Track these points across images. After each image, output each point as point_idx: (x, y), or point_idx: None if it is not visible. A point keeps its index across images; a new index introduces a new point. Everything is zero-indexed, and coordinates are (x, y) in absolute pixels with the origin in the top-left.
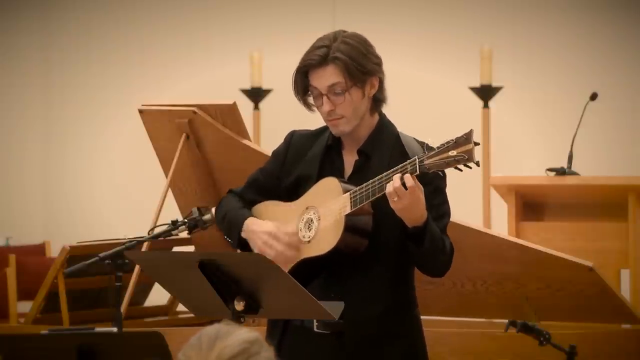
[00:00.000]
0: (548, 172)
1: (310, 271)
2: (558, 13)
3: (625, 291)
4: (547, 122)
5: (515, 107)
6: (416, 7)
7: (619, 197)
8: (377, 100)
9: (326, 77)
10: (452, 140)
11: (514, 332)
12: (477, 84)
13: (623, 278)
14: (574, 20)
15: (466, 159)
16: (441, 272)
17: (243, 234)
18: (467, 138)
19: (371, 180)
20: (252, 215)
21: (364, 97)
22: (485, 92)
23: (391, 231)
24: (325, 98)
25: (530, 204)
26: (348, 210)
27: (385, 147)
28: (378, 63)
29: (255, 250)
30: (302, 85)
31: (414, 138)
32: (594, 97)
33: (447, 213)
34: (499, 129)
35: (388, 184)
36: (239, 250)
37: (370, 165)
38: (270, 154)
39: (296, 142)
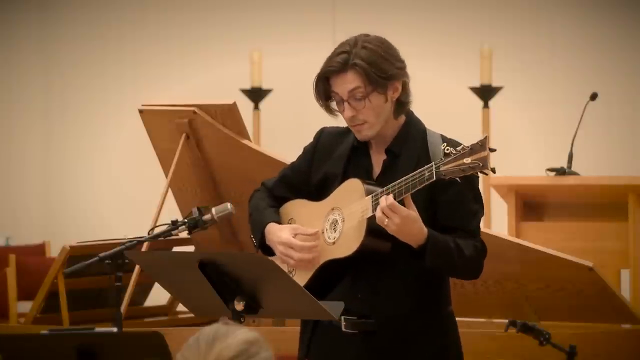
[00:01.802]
0: (548, 172)
1: (336, 272)
2: (558, 13)
3: (625, 291)
4: (547, 122)
5: (515, 107)
6: (416, 7)
7: (619, 197)
8: (401, 104)
9: (346, 83)
10: (468, 147)
11: (514, 332)
12: (477, 84)
13: (623, 278)
14: (574, 20)
15: (481, 166)
16: (467, 276)
17: (267, 242)
18: (482, 145)
19: (392, 184)
20: (275, 218)
21: (387, 101)
22: (485, 92)
23: None
24: (346, 104)
25: (530, 204)
26: (370, 213)
27: (413, 145)
28: (401, 67)
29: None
30: (324, 91)
31: (441, 135)
32: (594, 97)
33: (478, 212)
34: (499, 129)
35: (377, 210)
36: (260, 252)
37: (398, 164)
38: (270, 154)
39: (324, 139)
